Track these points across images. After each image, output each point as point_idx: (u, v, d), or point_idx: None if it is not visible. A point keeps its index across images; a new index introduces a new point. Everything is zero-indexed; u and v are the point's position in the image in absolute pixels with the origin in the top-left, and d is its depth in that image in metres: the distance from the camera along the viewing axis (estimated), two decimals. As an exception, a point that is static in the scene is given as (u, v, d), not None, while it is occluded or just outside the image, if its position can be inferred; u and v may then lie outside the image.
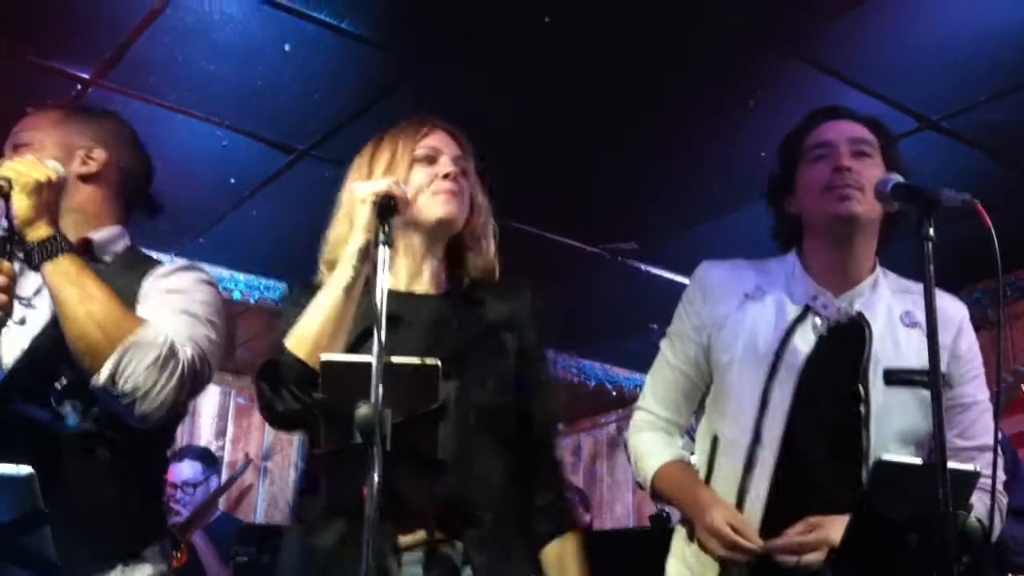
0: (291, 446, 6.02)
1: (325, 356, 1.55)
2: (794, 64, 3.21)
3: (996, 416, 2.11)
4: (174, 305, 1.93)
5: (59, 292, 1.79)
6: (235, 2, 2.96)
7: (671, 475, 2.08)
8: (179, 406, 1.86)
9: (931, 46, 3.11)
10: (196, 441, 5.64)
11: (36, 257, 1.81)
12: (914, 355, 1.98)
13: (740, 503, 1.96)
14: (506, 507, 1.80)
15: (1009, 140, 3.59)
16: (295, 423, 1.80)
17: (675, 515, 2.42)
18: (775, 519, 1.92)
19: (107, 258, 2.01)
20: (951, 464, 1.53)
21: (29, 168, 1.84)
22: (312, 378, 1.64)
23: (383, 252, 1.60)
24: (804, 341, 2.00)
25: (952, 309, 2.06)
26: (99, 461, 1.86)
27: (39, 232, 1.81)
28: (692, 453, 2.16)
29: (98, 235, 2.01)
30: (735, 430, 2.00)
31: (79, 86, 3.32)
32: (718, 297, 2.11)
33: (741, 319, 2.06)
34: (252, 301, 4.81)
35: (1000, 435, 1.87)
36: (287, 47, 3.12)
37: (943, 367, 1.79)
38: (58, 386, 1.84)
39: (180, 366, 1.82)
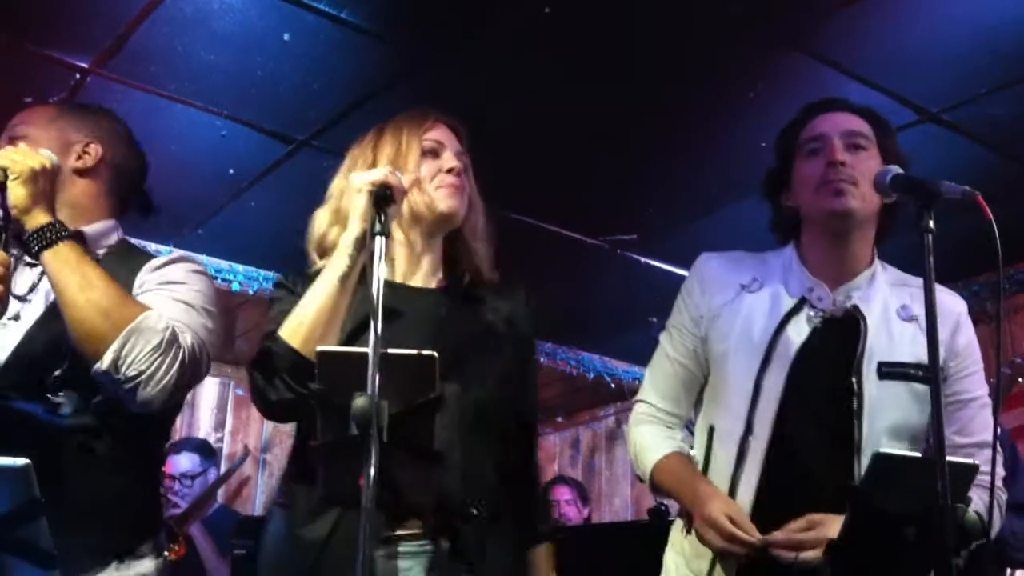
0: (290, 438, 5.98)
1: (321, 347, 1.54)
2: (794, 57, 3.19)
3: (995, 411, 2.11)
4: (171, 295, 1.93)
5: (60, 279, 1.78)
6: (234, -8, 2.95)
7: (670, 468, 2.08)
8: (179, 393, 1.86)
9: (932, 39, 3.10)
10: (195, 433, 5.62)
11: (35, 245, 1.80)
12: (908, 349, 1.97)
13: (732, 492, 1.96)
14: (500, 501, 1.81)
15: (1009, 133, 3.57)
16: (288, 413, 1.80)
17: (674, 509, 2.42)
18: (765, 509, 1.92)
19: (100, 251, 2.01)
20: (950, 457, 1.53)
21: (24, 156, 1.84)
22: (306, 368, 1.64)
23: (379, 242, 1.60)
24: (797, 332, 2.00)
25: (950, 304, 2.05)
26: (96, 454, 1.86)
27: (37, 219, 1.81)
28: (692, 447, 2.15)
29: (91, 228, 2.01)
30: (729, 420, 2.01)
31: (78, 76, 3.30)
32: (715, 288, 2.11)
33: (737, 309, 2.06)
34: (251, 292, 4.79)
35: (999, 430, 1.86)
36: (286, 37, 3.11)
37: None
38: (54, 375, 1.83)
39: (182, 352, 1.82)
